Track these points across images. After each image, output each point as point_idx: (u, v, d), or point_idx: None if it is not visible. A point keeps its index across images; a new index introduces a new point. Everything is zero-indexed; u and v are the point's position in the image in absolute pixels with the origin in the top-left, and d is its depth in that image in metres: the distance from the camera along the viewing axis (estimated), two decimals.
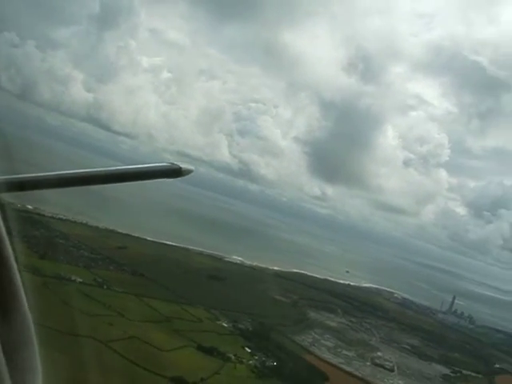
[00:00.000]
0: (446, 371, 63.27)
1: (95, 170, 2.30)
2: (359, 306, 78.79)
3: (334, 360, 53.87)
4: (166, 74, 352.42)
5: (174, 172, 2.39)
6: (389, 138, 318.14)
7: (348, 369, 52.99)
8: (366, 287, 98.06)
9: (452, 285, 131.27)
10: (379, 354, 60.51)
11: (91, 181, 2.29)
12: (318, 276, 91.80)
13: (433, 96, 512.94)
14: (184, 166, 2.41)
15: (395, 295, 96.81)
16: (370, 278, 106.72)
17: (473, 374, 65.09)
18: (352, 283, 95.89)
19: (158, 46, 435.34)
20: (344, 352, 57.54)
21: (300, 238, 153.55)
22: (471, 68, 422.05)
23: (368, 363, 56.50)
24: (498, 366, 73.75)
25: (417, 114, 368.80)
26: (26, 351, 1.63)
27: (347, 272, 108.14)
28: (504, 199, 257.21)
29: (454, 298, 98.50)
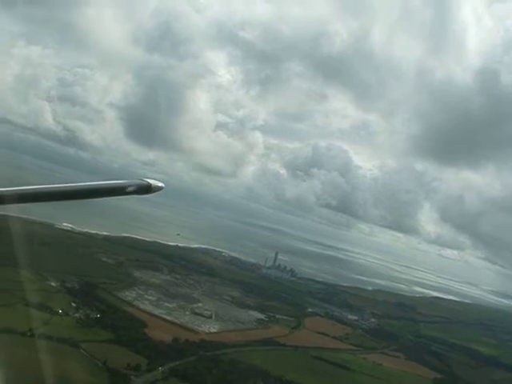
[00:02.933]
0: (261, 316, 74.17)
1: (65, 185, 2.57)
2: (186, 265, 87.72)
3: (155, 311, 62.06)
4: None
5: (144, 189, 2.68)
6: (201, 104, 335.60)
7: (168, 318, 61.37)
8: (194, 248, 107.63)
9: (278, 242, 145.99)
10: (200, 304, 69.68)
11: (63, 196, 2.61)
12: (147, 239, 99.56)
13: (222, 66, 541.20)
14: (154, 182, 2.70)
15: (223, 254, 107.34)
16: (201, 239, 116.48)
17: (285, 318, 76.69)
18: (181, 245, 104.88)
19: None
20: (165, 304, 65.89)
21: (132, 204, 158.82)
22: (249, 42, 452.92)
23: (187, 313, 65.32)
24: (310, 310, 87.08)
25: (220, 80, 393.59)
26: None
27: (178, 235, 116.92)
28: (315, 159, 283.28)
29: (276, 253, 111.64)
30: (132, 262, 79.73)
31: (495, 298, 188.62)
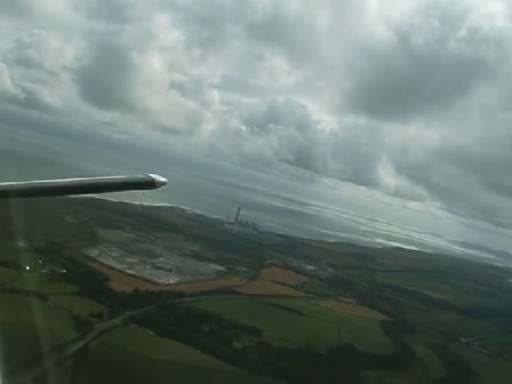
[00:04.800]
0: (221, 268, 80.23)
1: (70, 180, 2.65)
2: (149, 223, 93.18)
3: (118, 266, 67.70)
4: None
5: (148, 183, 2.75)
6: (152, 65, 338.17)
7: (129, 271, 67.11)
8: (159, 206, 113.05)
9: (241, 197, 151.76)
10: (161, 259, 75.29)
11: (66, 191, 2.72)
12: (111, 199, 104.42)
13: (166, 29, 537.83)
14: (157, 177, 2.76)
15: (187, 211, 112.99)
16: (165, 197, 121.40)
17: (244, 269, 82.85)
18: (146, 203, 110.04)
19: None
20: (128, 259, 71.39)
21: (95, 165, 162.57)
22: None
23: (148, 267, 71.10)
24: (269, 261, 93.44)
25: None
26: None
27: (143, 194, 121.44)
28: (272, 115, 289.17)
29: (238, 209, 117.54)
30: (96, 221, 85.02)
31: (457, 247, 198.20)
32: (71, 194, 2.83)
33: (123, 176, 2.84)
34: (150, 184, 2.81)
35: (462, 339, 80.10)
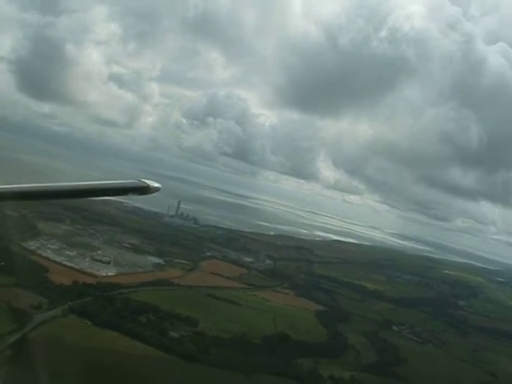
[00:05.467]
0: (159, 261, 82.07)
1: (63, 184, 2.67)
2: (87, 216, 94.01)
3: (57, 258, 69.12)
4: None
5: (142, 189, 2.78)
6: (89, 57, 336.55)
7: (68, 264, 68.67)
8: (97, 199, 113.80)
9: (182, 191, 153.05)
10: (99, 252, 76.89)
11: (61, 195, 2.80)
12: None
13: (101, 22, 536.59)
14: (151, 183, 2.79)
15: (125, 204, 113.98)
16: None
17: (182, 261, 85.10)
18: None
19: None
20: (67, 252, 72.61)
21: (35, 158, 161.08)
22: None
23: (87, 259, 72.70)
24: (208, 254, 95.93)
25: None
26: None
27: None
28: (212, 108, 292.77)
29: (179, 202, 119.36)
30: (35, 214, 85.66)
31: (395, 240, 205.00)
32: (65, 198, 2.95)
33: (117, 181, 2.87)
34: (144, 190, 2.86)
35: (394, 327, 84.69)
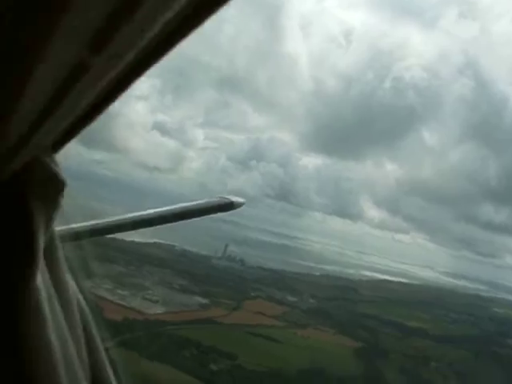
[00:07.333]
0: (205, 301, 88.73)
1: (151, 211, 2.88)
2: (140, 258, 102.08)
3: (110, 297, 77.15)
4: None
5: (227, 206, 3.06)
6: (139, 106, 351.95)
7: (120, 302, 76.51)
8: (148, 242, 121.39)
9: (230, 233, 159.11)
10: (149, 292, 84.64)
11: (153, 222, 2.95)
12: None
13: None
14: (235, 199, 3.06)
15: (175, 247, 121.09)
16: (154, 234, 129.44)
17: (227, 301, 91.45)
18: (137, 240, 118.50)
19: None
20: (119, 291, 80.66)
21: (89, 202, 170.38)
22: None
23: (138, 298, 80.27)
24: (253, 294, 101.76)
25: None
26: None
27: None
28: (255, 152, 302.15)
29: (226, 245, 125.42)
30: (90, 254, 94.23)
31: (447, 278, 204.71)
32: (157, 224, 3.17)
33: (203, 201, 3.10)
34: (229, 206, 3.14)
35: (433, 363, 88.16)
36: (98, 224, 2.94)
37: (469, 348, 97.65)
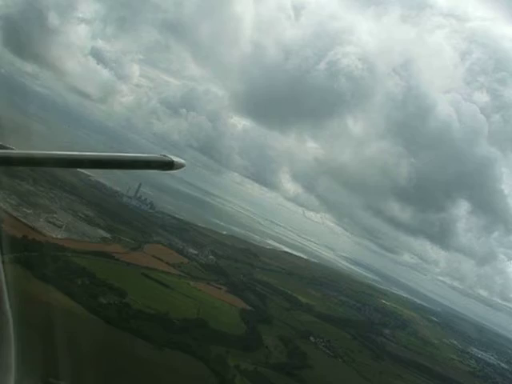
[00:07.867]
0: (107, 235, 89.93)
1: (87, 153, 2.71)
2: (51, 181, 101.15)
3: (14, 213, 77.04)
4: None
5: (166, 164, 2.84)
6: (79, 28, 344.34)
7: (23, 220, 76.56)
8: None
9: (148, 176, 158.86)
10: (54, 215, 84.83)
11: (82, 164, 2.74)
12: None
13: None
14: (177, 159, 2.84)
15: (89, 177, 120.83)
16: None
17: (128, 240, 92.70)
18: None
19: None
20: (23, 209, 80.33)
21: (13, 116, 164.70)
22: None
23: (42, 219, 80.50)
24: (155, 238, 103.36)
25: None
26: (2, 349, 1.91)
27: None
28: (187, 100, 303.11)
29: (139, 185, 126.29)
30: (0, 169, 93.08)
31: (346, 263, 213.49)
32: (89, 167, 2.91)
33: (142, 155, 2.95)
34: (169, 165, 2.93)
35: (312, 338, 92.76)
36: (33, 153, 2.73)
37: (349, 331, 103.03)
